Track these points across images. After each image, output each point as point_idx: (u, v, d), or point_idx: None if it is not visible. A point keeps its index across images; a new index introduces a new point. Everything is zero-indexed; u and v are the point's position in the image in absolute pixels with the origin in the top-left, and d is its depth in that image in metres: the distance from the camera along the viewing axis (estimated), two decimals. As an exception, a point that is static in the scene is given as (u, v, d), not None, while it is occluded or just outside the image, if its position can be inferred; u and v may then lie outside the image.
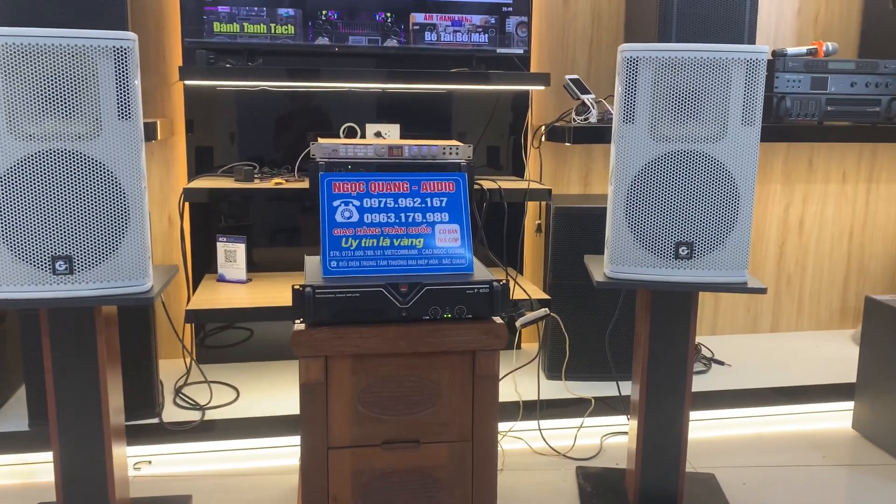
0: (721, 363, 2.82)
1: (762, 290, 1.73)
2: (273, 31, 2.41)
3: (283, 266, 2.75)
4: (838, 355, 2.94)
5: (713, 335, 3.19)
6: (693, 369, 1.91)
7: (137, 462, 2.23)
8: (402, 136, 2.70)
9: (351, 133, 2.69)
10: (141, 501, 1.99)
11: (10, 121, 1.49)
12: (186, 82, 2.55)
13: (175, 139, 2.67)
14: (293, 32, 2.42)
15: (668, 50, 1.67)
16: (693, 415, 2.38)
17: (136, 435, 2.22)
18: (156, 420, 2.25)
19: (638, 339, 1.95)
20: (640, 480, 1.95)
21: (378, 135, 2.65)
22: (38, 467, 2.19)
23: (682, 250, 1.73)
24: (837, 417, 2.60)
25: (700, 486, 2.12)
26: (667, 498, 1.95)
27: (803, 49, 2.65)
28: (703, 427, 2.53)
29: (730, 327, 3.22)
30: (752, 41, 2.49)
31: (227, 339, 2.79)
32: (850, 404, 2.58)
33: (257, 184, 2.41)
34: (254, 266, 2.72)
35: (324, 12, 2.43)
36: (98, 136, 1.52)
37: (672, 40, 2.43)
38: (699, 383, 2.59)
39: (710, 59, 1.66)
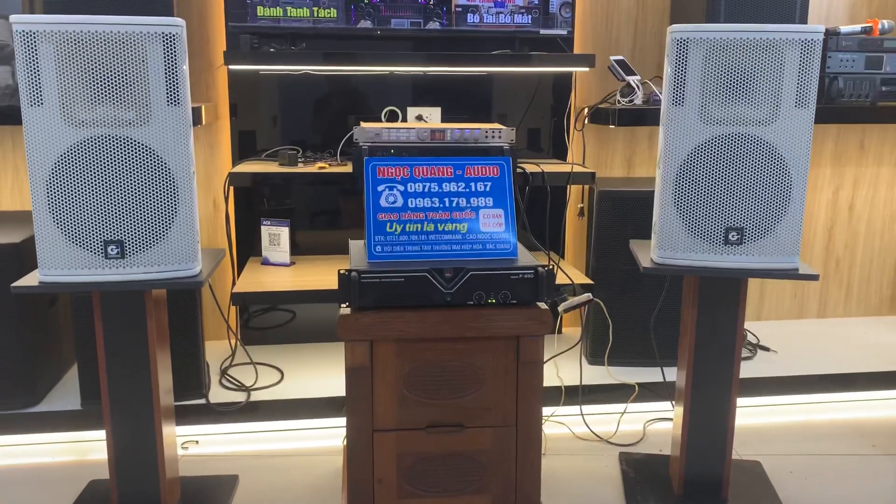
0: (767, 349, 2.77)
1: (814, 277, 1.69)
2: (316, 15, 2.41)
3: (325, 249, 2.77)
4: (888, 342, 2.87)
5: (758, 321, 3.14)
6: (741, 356, 1.88)
7: (185, 442, 2.28)
8: (443, 120, 2.68)
9: (392, 117, 2.69)
10: (189, 480, 2.04)
11: (64, 107, 1.51)
12: (230, 67, 2.56)
13: (219, 123, 2.69)
14: (336, 16, 2.42)
15: (720, 31, 1.63)
16: (738, 401, 2.34)
17: (184, 415, 2.26)
18: (203, 401, 2.29)
19: (684, 326, 1.92)
20: (685, 467, 1.93)
21: (419, 118, 2.65)
22: (91, 445, 2.25)
23: (733, 236, 1.69)
24: (888, 406, 2.55)
25: (746, 473, 2.09)
26: (712, 485, 1.93)
27: (857, 27, 2.57)
28: (749, 414, 2.50)
29: (776, 313, 3.16)
30: (803, 20, 2.41)
31: (270, 320, 2.82)
32: (902, 393, 2.52)
33: (301, 168, 2.42)
34: (297, 249, 2.75)
35: (366, -5, 2.42)
36: (148, 122, 1.55)
37: (721, 20, 2.38)
38: (744, 370, 2.54)
39: (763, 40, 1.62)
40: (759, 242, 1.70)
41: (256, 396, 2.34)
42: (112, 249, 1.57)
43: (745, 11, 2.37)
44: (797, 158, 1.66)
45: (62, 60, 1.50)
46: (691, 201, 1.70)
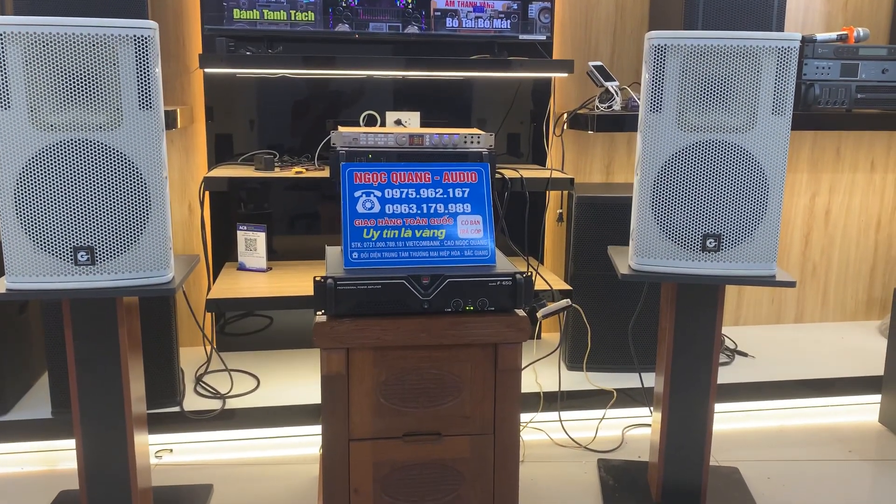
0: (744, 355, 2.78)
1: (791, 284, 1.69)
2: (293, 18, 2.39)
3: (302, 254, 2.75)
4: (864, 347, 2.89)
5: (736, 326, 3.16)
6: (718, 362, 1.88)
7: (159, 450, 2.24)
8: (422, 124, 2.67)
9: (371, 121, 2.67)
10: (162, 489, 2.00)
11: (32, 111, 1.48)
12: (206, 70, 2.53)
13: (195, 127, 2.66)
14: (313, 19, 2.40)
15: (697, 37, 1.63)
16: (716, 407, 2.35)
17: (158, 423, 2.23)
18: (177, 408, 2.26)
19: (662, 332, 1.92)
20: (664, 474, 1.93)
21: (398, 122, 2.63)
22: (61, 454, 2.20)
23: (710, 242, 1.69)
24: (864, 411, 2.56)
25: (724, 479, 2.09)
26: (690, 492, 1.93)
27: (833, 35, 2.59)
28: (727, 420, 2.51)
29: (753, 318, 3.18)
30: (780, 28, 2.43)
31: (247, 326, 2.79)
32: (877, 397, 2.54)
33: (278, 172, 2.39)
34: (274, 254, 2.72)
35: (344, -1, 2.40)
36: (119, 125, 1.52)
37: (698, 27, 2.39)
38: (722, 375, 2.55)
39: (740, 47, 1.62)
40: (737, 249, 1.70)
41: (232, 404, 2.31)
42: (82, 256, 1.54)
43: (722, 19, 2.38)
44: (774, 165, 1.67)
45: (31, 62, 1.46)
46: (669, 208, 1.70)
